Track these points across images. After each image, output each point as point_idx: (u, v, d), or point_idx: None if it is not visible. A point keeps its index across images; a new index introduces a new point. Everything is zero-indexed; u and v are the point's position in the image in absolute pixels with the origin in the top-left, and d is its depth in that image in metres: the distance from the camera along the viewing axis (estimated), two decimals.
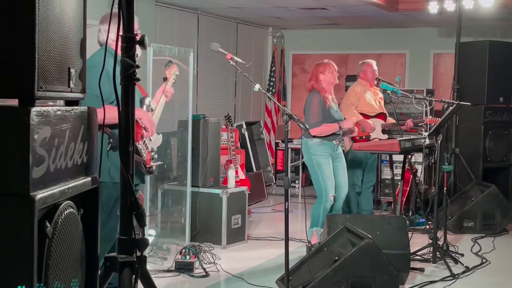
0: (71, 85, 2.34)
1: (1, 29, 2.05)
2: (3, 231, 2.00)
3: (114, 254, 2.71)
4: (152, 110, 4.70)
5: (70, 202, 2.31)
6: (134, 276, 2.68)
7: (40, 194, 2.04)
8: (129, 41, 2.66)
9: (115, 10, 4.41)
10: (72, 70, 2.35)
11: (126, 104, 2.66)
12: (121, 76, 2.67)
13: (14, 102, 2.07)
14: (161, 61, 5.64)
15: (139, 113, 4.45)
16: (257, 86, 4.56)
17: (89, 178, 2.48)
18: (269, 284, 5.31)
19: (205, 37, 9.92)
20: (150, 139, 4.59)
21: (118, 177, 4.17)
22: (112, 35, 4.31)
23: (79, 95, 2.47)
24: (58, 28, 2.22)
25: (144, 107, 4.61)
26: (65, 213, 2.24)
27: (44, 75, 2.11)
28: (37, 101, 2.36)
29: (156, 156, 4.65)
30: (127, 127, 2.64)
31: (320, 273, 4.75)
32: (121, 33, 4.07)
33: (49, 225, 2.12)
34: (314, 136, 6.37)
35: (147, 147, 4.54)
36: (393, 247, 5.38)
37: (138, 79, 2.69)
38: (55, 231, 2.17)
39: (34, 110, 2.03)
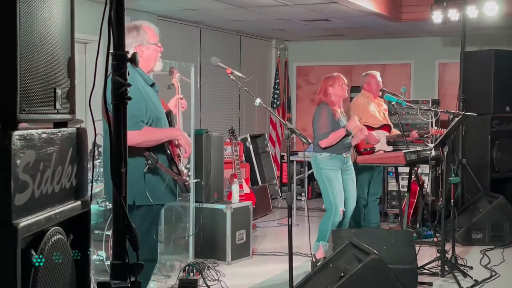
0: (58, 106, 2.24)
1: None
2: None
3: (107, 279, 2.61)
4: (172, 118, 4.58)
5: (58, 228, 2.21)
6: None
7: (23, 222, 1.94)
8: (120, 59, 2.56)
9: (134, 23, 4.36)
10: (59, 91, 2.25)
11: (118, 123, 2.55)
12: (112, 95, 2.57)
13: None
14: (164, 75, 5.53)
15: (177, 133, 4.33)
16: (258, 101, 4.46)
17: (78, 202, 2.38)
18: None
19: (208, 51, 9.83)
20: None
21: (155, 199, 4.18)
22: (131, 50, 4.26)
23: (67, 117, 2.37)
24: (42, 48, 2.12)
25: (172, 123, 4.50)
26: (52, 240, 2.15)
27: (28, 97, 2.02)
28: (25, 123, 2.28)
29: (190, 173, 4.52)
30: (119, 147, 2.54)
31: None
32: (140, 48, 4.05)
33: (34, 254, 2.02)
34: (324, 149, 6.26)
35: (182, 163, 4.43)
36: (400, 262, 5.30)
37: (129, 98, 2.58)
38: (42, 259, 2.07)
39: (16, 134, 1.93)
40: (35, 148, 2.04)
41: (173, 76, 4.79)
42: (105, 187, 4.39)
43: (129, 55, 2.59)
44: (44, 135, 2.10)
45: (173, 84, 4.77)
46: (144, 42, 4.31)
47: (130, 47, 4.27)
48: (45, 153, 2.11)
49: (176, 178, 4.24)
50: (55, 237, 2.18)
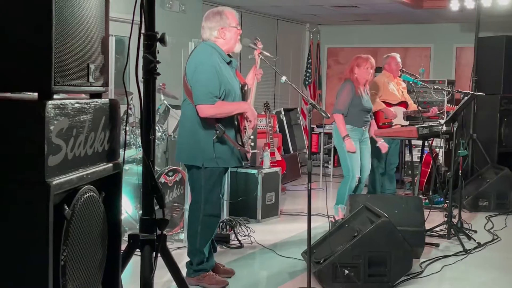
0: (91, 79, 2.25)
1: (21, 30, 1.99)
2: (22, 214, 1.95)
3: (137, 232, 2.64)
4: (247, 90, 4.56)
5: (91, 186, 2.23)
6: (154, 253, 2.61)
7: (56, 181, 1.96)
8: (150, 39, 2.56)
9: (217, 9, 4.39)
10: (92, 66, 2.25)
11: (147, 96, 2.56)
12: (142, 71, 2.57)
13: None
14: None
15: (245, 107, 4.38)
16: (284, 78, 4.41)
17: (110, 164, 2.39)
18: (296, 256, 5.21)
19: (248, 33, 9.67)
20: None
21: (221, 163, 4.27)
22: (215, 32, 4.30)
23: (100, 89, 2.38)
24: (77, 27, 2.12)
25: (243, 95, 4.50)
26: (85, 196, 2.17)
27: (62, 71, 2.03)
28: (83, 94, 2.31)
29: (252, 144, 4.54)
30: (148, 117, 2.55)
31: (340, 247, 4.63)
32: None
33: (67, 208, 2.05)
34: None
35: (247, 134, 4.46)
36: (410, 225, 5.24)
37: (158, 74, 2.59)
38: (74, 213, 2.10)
39: (51, 103, 1.95)
40: (68, 116, 2.05)
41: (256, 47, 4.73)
42: (177, 149, 4.51)
43: (158, 36, 2.60)
44: (77, 105, 2.11)
45: (254, 57, 4.72)
46: (226, 25, 4.36)
47: (214, 30, 4.35)
48: (78, 120, 2.12)
49: (238, 148, 4.29)
50: (87, 194, 2.20)
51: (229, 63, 4.41)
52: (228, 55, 4.47)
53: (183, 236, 5.54)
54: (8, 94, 2.13)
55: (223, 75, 4.26)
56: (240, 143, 4.33)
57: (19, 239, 1.95)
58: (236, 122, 4.33)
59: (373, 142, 6.58)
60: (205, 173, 4.30)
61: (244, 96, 4.48)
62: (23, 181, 1.94)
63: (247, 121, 4.41)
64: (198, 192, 4.36)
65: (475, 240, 5.89)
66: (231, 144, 4.28)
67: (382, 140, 6.56)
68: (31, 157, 1.93)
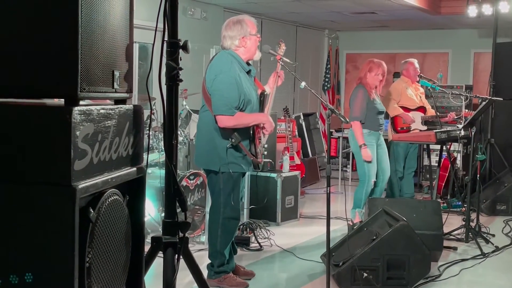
0: (115, 86, 2.27)
1: (48, 38, 2.01)
2: (49, 217, 1.96)
3: (160, 235, 2.65)
4: (265, 97, 4.53)
5: (115, 190, 2.24)
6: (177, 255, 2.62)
7: (81, 184, 1.98)
8: (173, 46, 2.57)
9: (238, 17, 4.38)
10: (116, 73, 2.27)
11: (170, 102, 2.57)
12: (166, 78, 2.59)
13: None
14: None
15: (264, 119, 4.39)
16: (303, 84, 4.39)
17: (134, 169, 2.41)
18: (315, 259, 5.20)
19: (268, 39, 9.71)
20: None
21: (235, 168, 4.28)
22: (237, 41, 4.29)
23: (125, 95, 2.39)
24: (102, 35, 2.14)
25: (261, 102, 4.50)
26: (109, 200, 2.18)
27: (88, 78, 2.05)
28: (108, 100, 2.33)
29: (266, 152, 4.57)
30: (170, 123, 2.57)
31: (359, 250, 4.61)
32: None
33: (92, 211, 2.06)
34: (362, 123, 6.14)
35: (261, 144, 4.49)
36: (428, 228, 5.21)
37: (181, 80, 2.60)
38: (99, 216, 2.11)
39: (77, 109, 1.97)
40: (94, 121, 2.07)
41: (279, 48, 4.70)
42: (195, 154, 4.53)
43: (181, 43, 2.62)
44: (102, 111, 2.13)
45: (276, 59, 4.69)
46: (247, 34, 4.34)
47: (235, 39, 4.32)
48: (103, 126, 2.14)
49: (252, 159, 4.31)
50: (112, 197, 2.21)
51: (248, 72, 4.40)
52: (247, 62, 4.46)
53: (204, 238, 5.55)
54: (36, 100, 2.15)
55: (242, 85, 4.26)
56: (253, 153, 4.33)
57: (46, 241, 1.97)
58: (251, 132, 4.33)
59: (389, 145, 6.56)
60: (223, 177, 4.31)
61: (261, 104, 4.47)
62: (50, 185, 1.96)
63: (263, 130, 4.42)
64: (217, 195, 4.38)
65: (493, 244, 5.84)
66: (244, 152, 4.29)
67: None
68: (57, 162, 1.95)
